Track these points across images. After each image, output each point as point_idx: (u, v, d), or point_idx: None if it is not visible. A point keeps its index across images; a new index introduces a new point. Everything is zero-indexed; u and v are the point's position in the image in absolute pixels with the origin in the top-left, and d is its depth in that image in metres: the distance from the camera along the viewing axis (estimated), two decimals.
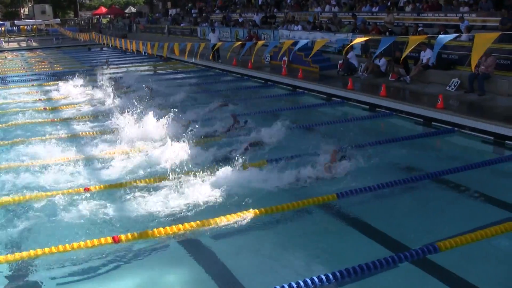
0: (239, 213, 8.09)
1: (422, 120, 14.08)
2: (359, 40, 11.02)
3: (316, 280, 6.12)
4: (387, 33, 22.28)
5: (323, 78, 20.79)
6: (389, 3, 26.44)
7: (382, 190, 9.12)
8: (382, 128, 14.53)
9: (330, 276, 6.20)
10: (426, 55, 18.21)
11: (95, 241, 7.35)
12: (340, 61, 21.51)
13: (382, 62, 19.76)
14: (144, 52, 25.91)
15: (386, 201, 8.94)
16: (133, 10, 79.19)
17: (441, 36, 8.82)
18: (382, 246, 7.35)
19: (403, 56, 9.33)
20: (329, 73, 21.85)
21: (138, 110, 13.79)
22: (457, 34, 13.10)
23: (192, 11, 49.27)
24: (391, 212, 8.62)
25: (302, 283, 6.05)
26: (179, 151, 11.15)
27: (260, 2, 40.57)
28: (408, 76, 18.33)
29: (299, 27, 27.83)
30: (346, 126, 13.72)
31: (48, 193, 9.34)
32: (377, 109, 15.73)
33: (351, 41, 17.14)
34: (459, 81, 16.53)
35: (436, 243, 6.95)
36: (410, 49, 9.45)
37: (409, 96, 16.53)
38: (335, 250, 7.41)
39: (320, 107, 17.57)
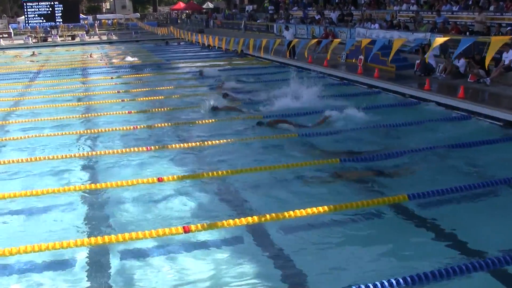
0: (308, 209, 8.01)
1: (502, 124, 13.53)
2: (440, 40, 10.64)
3: (386, 283, 5.96)
4: (468, 33, 21.58)
5: (400, 78, 20.34)
6: (470, 2, 25.59)
7: (457, 194, 8.79)
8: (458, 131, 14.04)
9: (401, 280, 6.02)
10: (509, 56, 17.47)
11: (166, 230, 7.48)
12: (417, 61, 20.99)
13: (461, 63, 19.11)
14: (219, 47, 26.23)
15: (461, 205, 8.61)
16: (211, 5, 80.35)
17: None
18: (456, 252, 7.09)
19: (487, 61, 8.88)
20: (406, 73, 21.37)
21: None
22: None
23: (269, 7, 49.38)
24: (465, 217, 8.27)
25: (371, 286, 5.93)
26: None
27: (337, 0, 40.22)
28: (488, 78, 17.65)
29: (376, 25, 27.41)
30: (423, 128, 13.41)
31: (123, 182, 9.63)
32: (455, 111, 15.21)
33: (430, 41, 16.67)
34: None
35: None
36: (493, 52, 9.01)
37: (489, 99, 15.93)
38: (404, 253, 7.20)
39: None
